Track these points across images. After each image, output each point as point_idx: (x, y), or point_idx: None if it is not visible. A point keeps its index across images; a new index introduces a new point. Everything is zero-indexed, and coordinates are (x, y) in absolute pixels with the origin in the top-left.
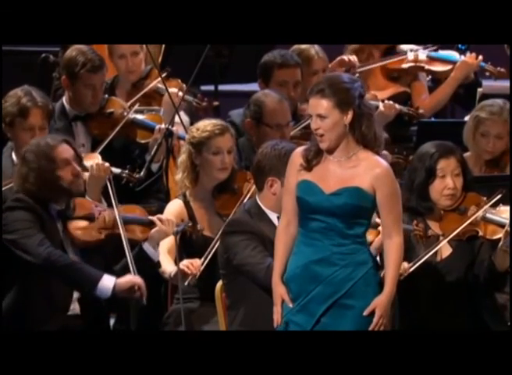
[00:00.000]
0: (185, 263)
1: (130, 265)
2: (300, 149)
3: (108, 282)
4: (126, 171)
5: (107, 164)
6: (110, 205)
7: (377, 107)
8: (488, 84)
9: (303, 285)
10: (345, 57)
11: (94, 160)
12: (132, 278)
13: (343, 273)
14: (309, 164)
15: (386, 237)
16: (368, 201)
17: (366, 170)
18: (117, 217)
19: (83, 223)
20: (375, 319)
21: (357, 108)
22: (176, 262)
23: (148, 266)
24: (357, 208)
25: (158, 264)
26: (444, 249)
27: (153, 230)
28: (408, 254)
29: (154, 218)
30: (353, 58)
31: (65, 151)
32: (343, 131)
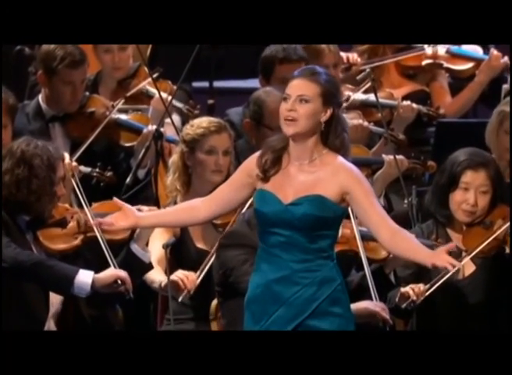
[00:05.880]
0: (179, 275)
1: (111, 264)
2: (255, 156)
3: (85, 277)
4: (97, 169)
5: (74, 163)
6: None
7: (392, 107)
8: None
9: (264, 307)
10: (344, 55)
11: None
12: (113, 271)
13: (306, 292)
14: (266, 175)
15: (388, 233)
16: (332, 210)
17: (331, 176)
18: (90, 218)
19: (55, 231)
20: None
21: (337, 108)
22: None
23: (139, 269)
24: (319, 220)
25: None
26: (467, 266)
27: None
28: (428, 271)
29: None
30: (353, 55)
31: (61, 168)
32: (314, 127)
